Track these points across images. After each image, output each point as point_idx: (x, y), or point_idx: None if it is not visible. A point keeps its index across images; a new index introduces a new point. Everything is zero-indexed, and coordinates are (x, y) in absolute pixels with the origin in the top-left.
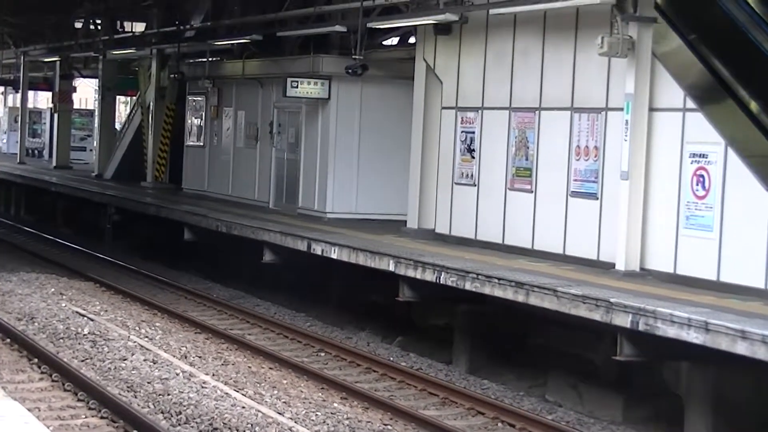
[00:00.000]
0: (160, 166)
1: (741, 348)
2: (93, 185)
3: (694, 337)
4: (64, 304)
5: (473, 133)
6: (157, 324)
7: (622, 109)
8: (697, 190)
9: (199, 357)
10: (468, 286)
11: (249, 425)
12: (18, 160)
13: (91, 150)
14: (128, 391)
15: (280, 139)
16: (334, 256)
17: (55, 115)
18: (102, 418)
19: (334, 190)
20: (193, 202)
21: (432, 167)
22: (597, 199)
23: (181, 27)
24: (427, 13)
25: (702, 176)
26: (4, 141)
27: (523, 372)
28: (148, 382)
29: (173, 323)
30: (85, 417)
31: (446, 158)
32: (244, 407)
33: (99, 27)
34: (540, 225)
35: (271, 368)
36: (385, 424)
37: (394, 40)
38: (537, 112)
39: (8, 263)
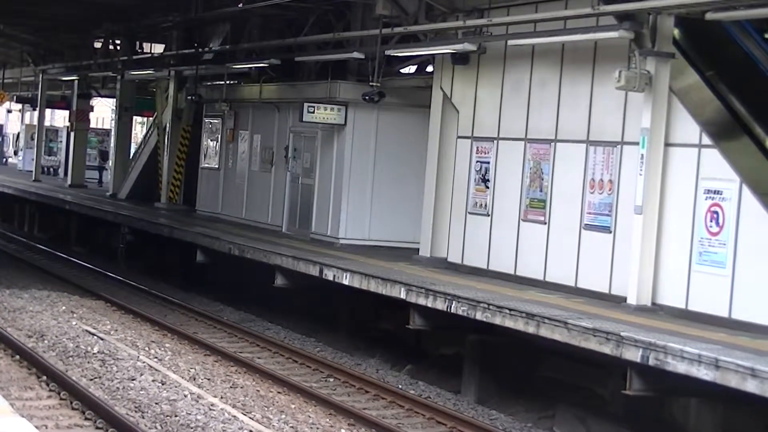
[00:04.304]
0: (174, 188)
1: (751, 386)
2: (107, 205)
3: (704, 373)
4: (74, 323)
5: (488, 163)
6: (167, 345)
7: (637, 144)
8: (710, 227)
9: (208, 379)
10: (479, 315)
11: None
12: (33, 178)
13: (105, 169)
14: (136, 412)
15: (295, 164)
16: (345, 282)
17: (72, 134)
18: None
19: (348, 216)
20: (206, 225)
21: (446, 196)
22: (610, 232)
23: (200, 50)
24: (445, 43)
25: (716, 212)
26: (21, 158)
27: (532, 404)
28: (156, 403)
29: (183, 345)
30: None
31: (460, 187)
32: (251, 431)
33: (118, 47)
34: (552, 257)
35: (279, 392)
36: None
37: (412, 69)
38: (552, 143)
39: (20, 280)
